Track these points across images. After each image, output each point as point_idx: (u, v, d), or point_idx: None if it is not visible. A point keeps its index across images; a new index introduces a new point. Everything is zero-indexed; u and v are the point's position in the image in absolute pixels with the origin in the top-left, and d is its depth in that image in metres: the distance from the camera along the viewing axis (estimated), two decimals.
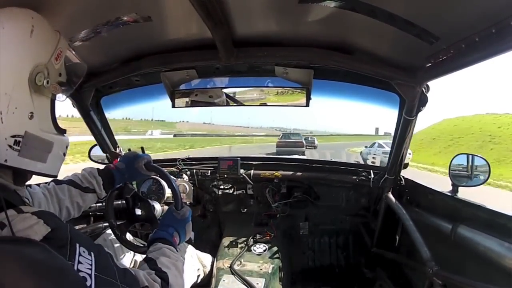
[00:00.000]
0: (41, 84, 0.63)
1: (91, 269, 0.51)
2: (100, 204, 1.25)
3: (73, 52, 0.73)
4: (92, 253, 0.53)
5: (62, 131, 0.71)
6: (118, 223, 1.17)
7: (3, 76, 0.57)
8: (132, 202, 1.15)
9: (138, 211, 1.17)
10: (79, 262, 0.50)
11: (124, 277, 0.58)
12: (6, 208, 0.49)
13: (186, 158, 2.03)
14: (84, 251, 0.52)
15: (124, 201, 1.19)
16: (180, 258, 0.84)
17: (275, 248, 1.62)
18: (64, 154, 0.72)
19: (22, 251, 0.41)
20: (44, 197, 0.89)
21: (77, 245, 0.51)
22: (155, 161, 2.03)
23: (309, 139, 22.93)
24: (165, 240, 0.87)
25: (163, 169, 1.14)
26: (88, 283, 0.49)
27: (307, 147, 20.60)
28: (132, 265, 1.32)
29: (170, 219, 0.95)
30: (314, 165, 1.96)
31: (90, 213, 1.62)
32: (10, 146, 0.57)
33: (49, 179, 0.85)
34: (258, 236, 1.71)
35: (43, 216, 0.52)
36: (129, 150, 1.95)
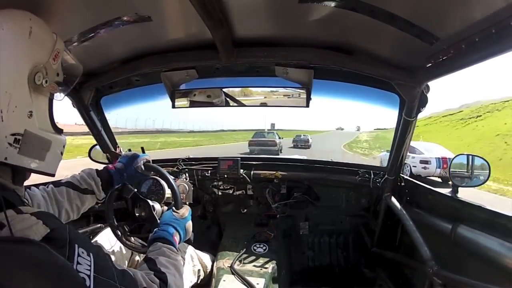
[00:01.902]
0: (40, 83, 0.64)
1: (90, 270, 0.51)
2: (100, 204, 1.25)
3: (70, 54, 0.75)
4: (91, 254, 0.53)
5: (59, 131, 0.72)
6: (118, 224, 1.18)
7: (3, 75, 0.58)
8: (132, 203, 1.15)
9: (138, 212, 1.16)
10: (78, 263, 0.50)
11: (123, 279, 0.58)
12: (5, 208, 0.49)
13: (186, 158, 2.03)
14: (83, 252, 0.52)
15: (124, 202, 1.19)
16: (180, 257, 0.85)
17: (275, 248, 1.62)
18: (62, 153, 0.73)
19: (22, 251, 0.41)
20: (44, 199, 0.89)
21: (76, 245, 0.52)
22: (155, 161, 2.03)
23: (301, 137, 19.53)
24: (165, 240, 0.87)
25: (161, 168, 1.14)
26: (87, 284, 0.49)
27: (300, 146, 17.96)
28: (130, 264, 1.32)
29: (170, 219, 0.96)
30: (314, 165, 1.96)
31: (90, 214, 1.62)
32: (10, 144, 0.58)
33: (47, 180, 0.86)
34: (258, 236, 1.71)
35: (42, 217, 0.52)
36: (129, 150, 1.95)
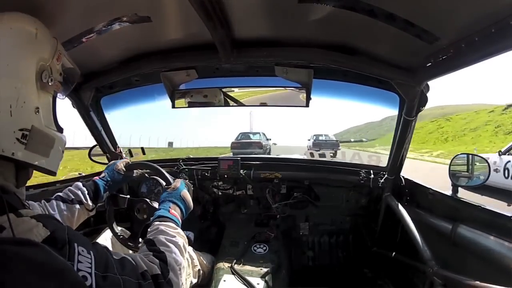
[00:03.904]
0: (46, 81, 0.66)
1: (91, 268, 0.51)
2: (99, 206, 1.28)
3: (68, 58, 0.77)
4: (91, 252, 0.54)
5: (61, 129, 0.73)
6: (127, 237, 1.23)
7: (13, 71, 0.59)
8: (131, 210, 1.19)
9: (140, 216, 1.19)
10: (78, 262, 0.50)
11: (123, 269, 0.59)
12: (8, 211, 0.49)
13: (186, 158, 2.03)
14: (83, 250, 0.52)
15: (124, 205, 1.24)
16: (179, 232, 0.84)
17: (275, 248, 1.63)
18: (63, 152, 0.74)
19: (23, 252, 0.41)
20: (41, 211, 0.91)
21: (76, 244, 0.52)
22: (156, 161, 2.03)
23: (323, 137, 15.19)
24: (162, 217, 0.87)
25: (141, 162, 1.16)
26: (88, 283, 0.49)
27: (325, 150, 12.88)
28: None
29: (164, 196, 0.98)
30: (314, 165, 1.96)
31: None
32: (18, 140, 0.59)
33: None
34: (258, 236, 1.71)
35: (42, 219, 0.52)
36: (129, 150, 1.95)
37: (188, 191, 1.58)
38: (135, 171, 1.28)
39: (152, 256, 0.70)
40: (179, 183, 1.03)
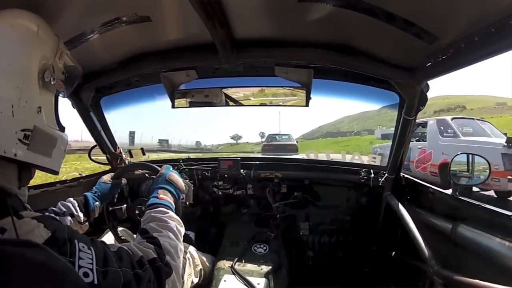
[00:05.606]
0: (48, 80, 0.66)
1: (92, 264, 0.51)
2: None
3: (69, 56, 0.76)
4: (91, 248, 0.54)
5: (63, 128, 0.73)
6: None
7: (14, 70, 0.58)
8: (133, 214, 1.20)
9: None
10: (80, 258, 0.50)
11: (121, 260, 0.59)
12: (7, 215, 0.49)
13: (186, 159, 2.03)
14: (83, 246, 0.53)
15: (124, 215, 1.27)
16: (171, 216, 0.85)
17: (275, 248, 1.63)
18: (65, 151, 0.74)
19: (23, 253, 0.41)
20: None
21: (76, 241, 0.52)
22: (156, 162, 2.03)
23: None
24: (153, 205, 0.88)
25: (125, 165, 1.17)
26: (89, 279, 0.49)
27: None
28: None
29: (153, 187, 0.99)
30: (314, 164, 1.96)
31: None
32: (20, 140, 0.58)
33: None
34: (258, 236, 1.72)
35: (43, 220, 0.53)
36: (129, 151, 1.95)
37: (189, 191, 1.60)
38: (123, 178, 1.30)
39: (146, 242, 0.71)
40: (164, 169, 1.05)
